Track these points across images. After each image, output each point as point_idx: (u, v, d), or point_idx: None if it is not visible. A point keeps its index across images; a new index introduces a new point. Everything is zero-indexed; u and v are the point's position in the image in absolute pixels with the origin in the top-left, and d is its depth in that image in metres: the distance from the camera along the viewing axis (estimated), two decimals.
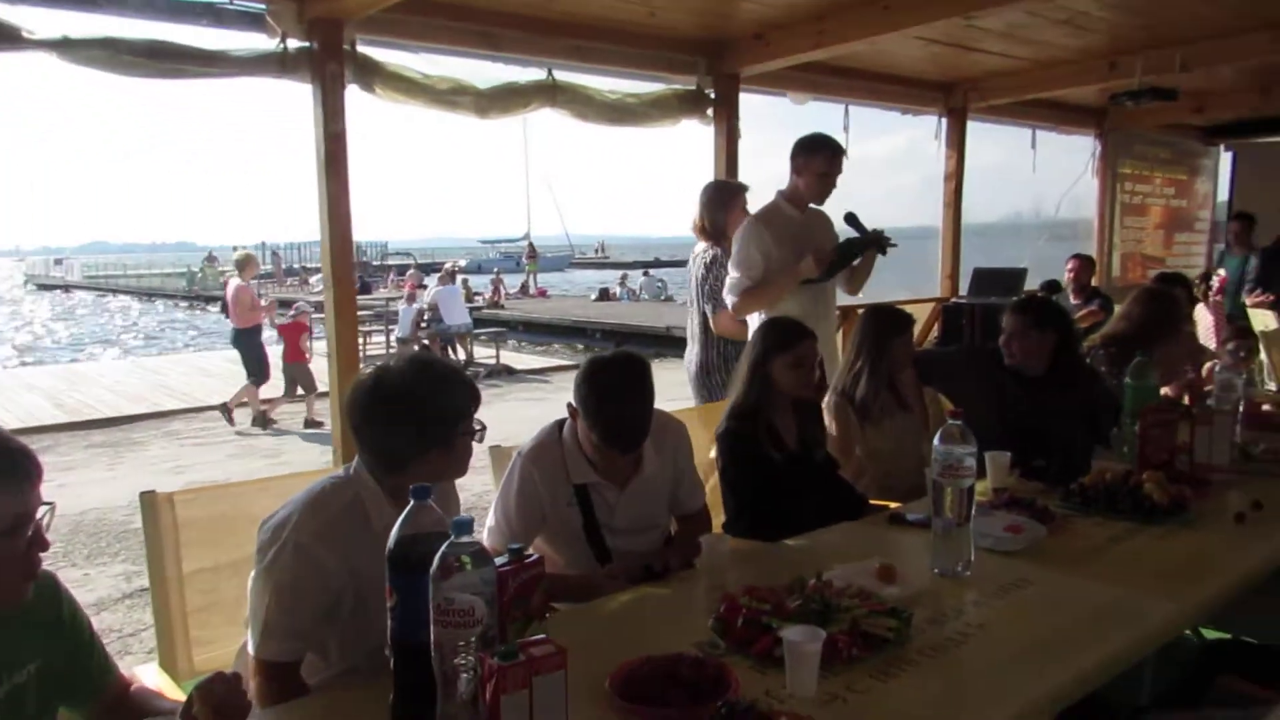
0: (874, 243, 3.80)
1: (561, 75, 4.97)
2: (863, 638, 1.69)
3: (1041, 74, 6.25)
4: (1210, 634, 2.74)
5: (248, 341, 9.24)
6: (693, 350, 4.27)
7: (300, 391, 9.39)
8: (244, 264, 9.42)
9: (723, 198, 4.28)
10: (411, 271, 24.74)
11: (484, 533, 2.42)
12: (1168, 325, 3.78)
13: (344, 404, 1.91)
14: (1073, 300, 6.84)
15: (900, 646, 1.70)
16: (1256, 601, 2.19)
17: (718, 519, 2.82)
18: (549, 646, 1.38)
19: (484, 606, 1.40)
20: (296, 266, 40.71)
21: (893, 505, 2.83)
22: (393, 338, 14.03)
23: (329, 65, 4.03)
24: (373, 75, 4.29)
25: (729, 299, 3.87)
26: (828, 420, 3.20)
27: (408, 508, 1.50)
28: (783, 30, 4.89)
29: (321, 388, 8.51)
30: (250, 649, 1.79)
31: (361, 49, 4.24)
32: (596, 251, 74.02)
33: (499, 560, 1.56)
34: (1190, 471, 2.75)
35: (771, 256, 3.77)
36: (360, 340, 14.54)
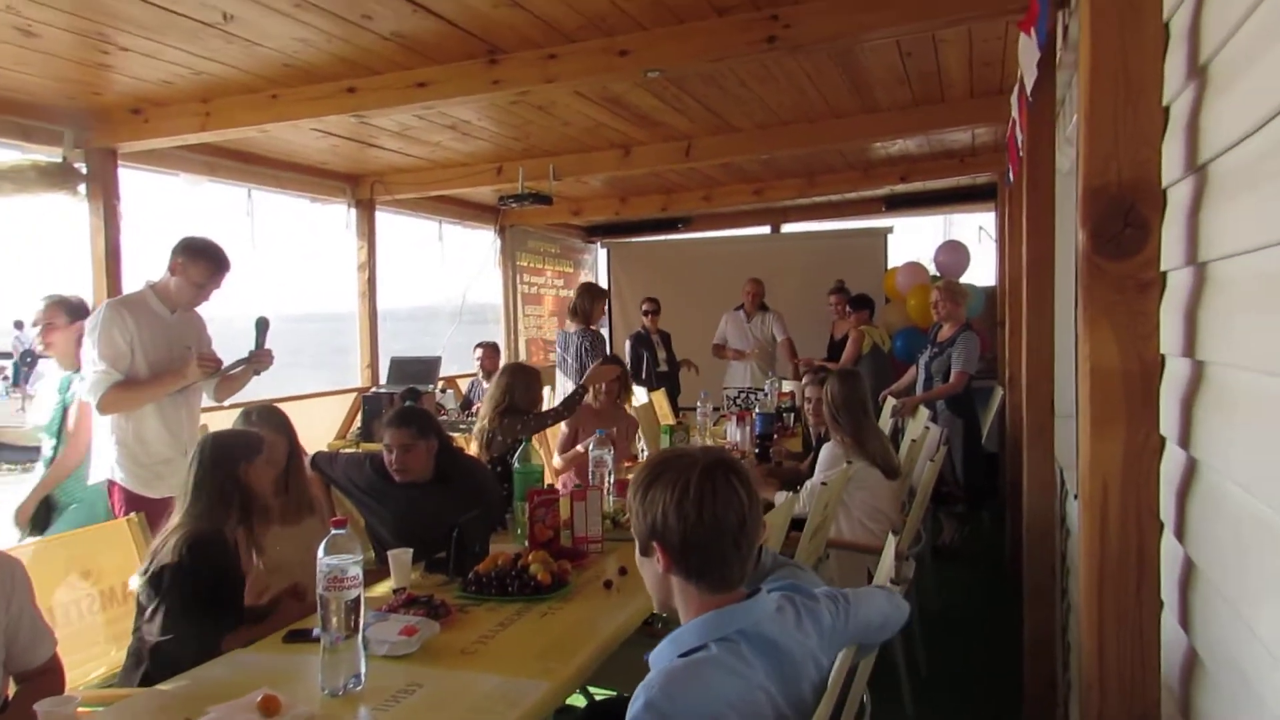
0: (249, 360, 3.76)
1: None
2: None
3: (439, 173, 6.65)
4: (600, 693, 3.01)
5: None
6: None
7: None
8: None
9: (594, 294, 6.23)
10: None
11: None
12: (530, 394, 4.18)
13: None
14: (484, 384, 7.32)
15: None
16: (629, 655, 2.45)
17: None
18: None
19: None
20: None
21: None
22: None
23: None
24: None
25: (91, 396, 3.44)
26: None
27: None
28: (163, 108, 4.52)
29: None
30: None
31: None
32: None
33: None
34: (572, 545, 3.01)
35: (137, 350, 3.46)
36: None
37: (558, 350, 6.44)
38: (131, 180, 5.17)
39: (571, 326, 6.20)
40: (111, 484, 3.64)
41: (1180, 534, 1.39)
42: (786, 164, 7.47)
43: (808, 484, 3.72)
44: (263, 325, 3.75)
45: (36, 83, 4.15)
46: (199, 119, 4.50)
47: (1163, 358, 1.44)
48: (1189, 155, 1.39)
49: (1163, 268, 1.44)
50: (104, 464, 3.65)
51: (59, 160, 4.73)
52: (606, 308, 6.57)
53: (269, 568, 3.05)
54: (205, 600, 2.45)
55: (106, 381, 3.45)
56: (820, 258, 9.31)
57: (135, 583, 2.62)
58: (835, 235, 10.10)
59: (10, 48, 3.66)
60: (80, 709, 1.88)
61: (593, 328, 6.23)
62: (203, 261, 3.60)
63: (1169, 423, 1.42)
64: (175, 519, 2.58)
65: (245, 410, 3.26)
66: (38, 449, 3.98)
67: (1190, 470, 1.37)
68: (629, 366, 8.24)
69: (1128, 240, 1.40)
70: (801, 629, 1.61)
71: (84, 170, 4.83)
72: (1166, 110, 1.48)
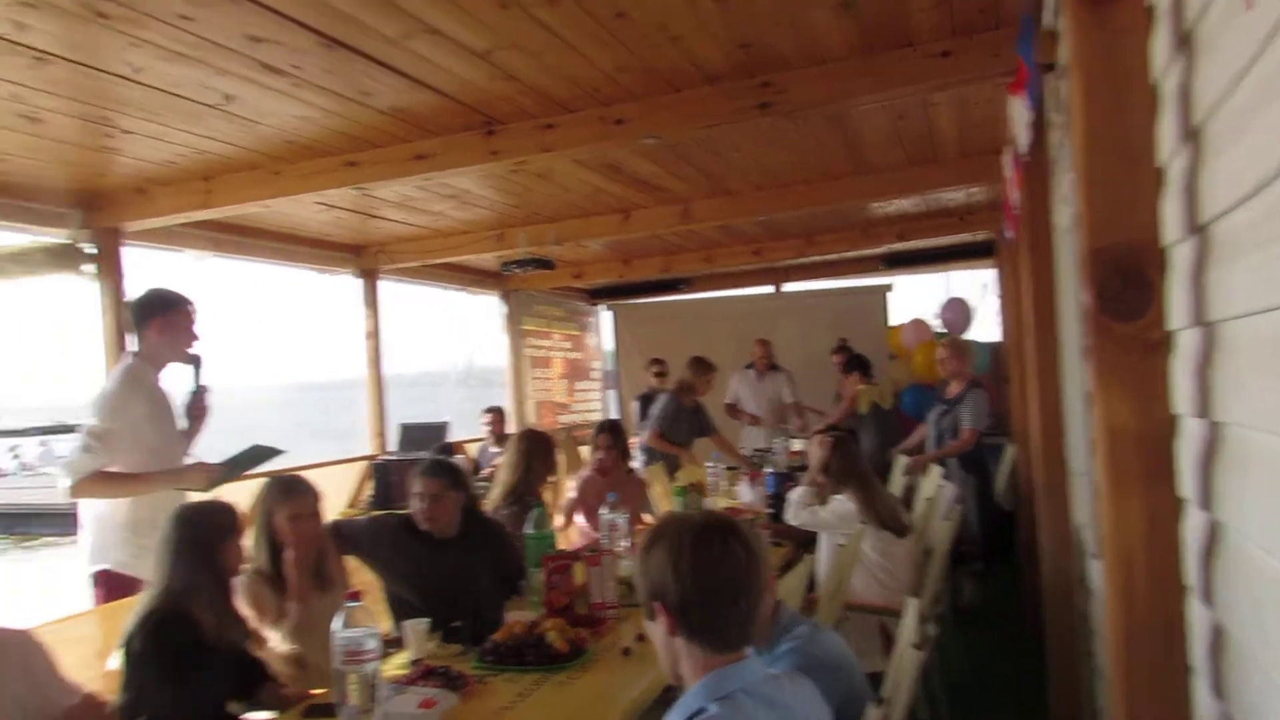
0: (195, 394, 3.68)
1: None
2: None
3: (441, 241, 6.70)
4: None
5: None
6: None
7: None
8: None
9: (698, 367, 6.54)
10: None
11: None
12: (547, 461, 4.14)
13: None
14: (493, 449, 7.30)
15: None
16: None
17: None
18: None
19: None
20: None
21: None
22: None
23: None
24: None
25: (65, 480, 3.24)
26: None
27: None
28: (167, 186, 4.58)
29: None
30: None
31: None
32: None
33: None
34: (589, 612, 2.96)
35: (139, 431, 3.39)
36: None
37: None
38: (138, 258, 5.22)
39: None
40: (102, 573, 3.40)
41: (1208, 598, 1.36)
42: (785, 224, 7.53)
43: (803, 506, 4.00)
44: (195, 360, 3.63)
45: (43, 167, 4.21)
46: (201, 196, 4.55)
47: (1178, 418, 1.43)
48: (1189, 216, 1.40)
49: (1171, 327, 1.44)
50: (103, 552, 3.40)
51: (65, 242, 4.79)
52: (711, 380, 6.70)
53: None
54: (167, 682, 2.37)
55: (89, 465, 3.25)
56: (822, 316, 9.34)
57: (114, 663, 2.57)
58: (836, 294, 10.12)
59: (16, 135, 3.71)
60: None
61: (688, 398, 6.50)
62: (179, 305, 3.55)
63: (1189, 484, 1.40)
64: (147, 596, 2.51)
65: (277, 479, 3.17)
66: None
67: (1213, 533, 1.35)
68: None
69: (1133, 301, 1.40)
70: (795, 695, 1.61)
71: (91, 250, 4.87)
72: (1161, 172, 1.49)
